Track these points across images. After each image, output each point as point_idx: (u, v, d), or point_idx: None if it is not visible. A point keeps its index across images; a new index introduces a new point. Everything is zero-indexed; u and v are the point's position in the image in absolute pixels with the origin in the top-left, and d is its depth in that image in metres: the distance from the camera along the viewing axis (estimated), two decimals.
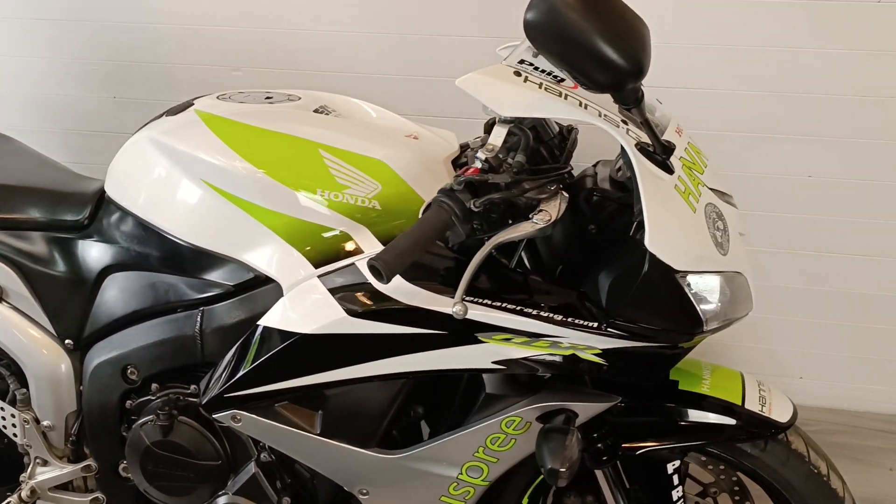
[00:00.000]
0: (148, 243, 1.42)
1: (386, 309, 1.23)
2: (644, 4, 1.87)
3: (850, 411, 2.27)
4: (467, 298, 1.21)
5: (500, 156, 1.19)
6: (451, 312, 1.18)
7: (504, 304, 1.21)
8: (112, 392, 1.49)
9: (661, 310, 1.18)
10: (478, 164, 1.18)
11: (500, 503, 1.45)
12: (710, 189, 1.28)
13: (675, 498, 1.38)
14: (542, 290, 1.27)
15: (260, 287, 1.34)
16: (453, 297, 1.20)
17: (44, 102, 2.33)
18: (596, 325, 1.20)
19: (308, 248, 1.30)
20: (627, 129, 1.20)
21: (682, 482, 1.40)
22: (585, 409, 1.30)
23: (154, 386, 1.46)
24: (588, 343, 1.21)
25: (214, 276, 1.38)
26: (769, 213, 2.09)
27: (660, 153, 1.17)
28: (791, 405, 1.41)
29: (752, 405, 1.37)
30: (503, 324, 1.20)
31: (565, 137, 1.36)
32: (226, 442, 1.43)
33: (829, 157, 1.98)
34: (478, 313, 1.20)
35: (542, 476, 1.35)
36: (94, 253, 1.49)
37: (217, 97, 1.44)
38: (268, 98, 1.46)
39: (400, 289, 1.23)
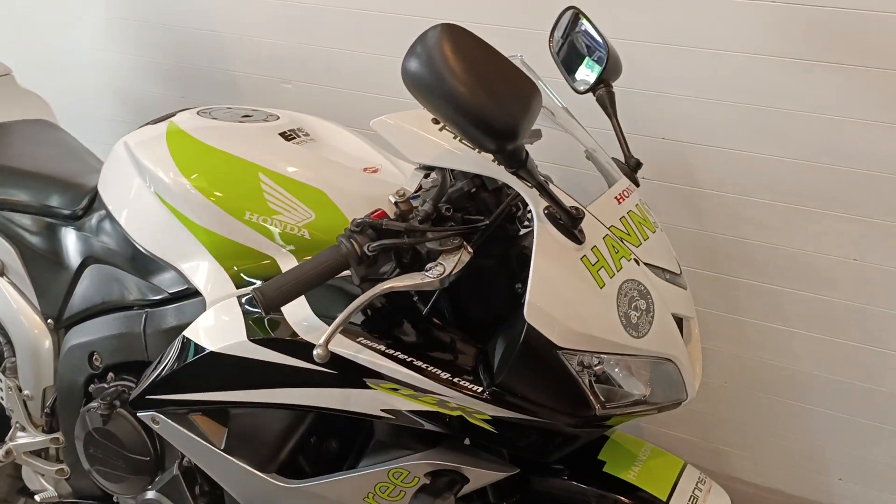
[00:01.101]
0: (117, 242, 1.51)
1: (283, 339, 1.23)
2: (679, 57, 1.76)
3: None
4: (362, 341, 1.19)
5: (416, 202, 1.17)
6: (338, 353, 1.17)
7: (396, 353, 1.17)
8: (79, 374, 1.59)
9: (542, 386, 1.11)
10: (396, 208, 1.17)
11: None
12: (645, 264, 1.19)
13: None
14: (446, 345, 1.22)
15: (192, 298, 1.38)
16: (351, 337, 1.19)
17: (127, 95, 2.53)
18: (480, 389, 1.14)
19: (235, 267, 1.33)
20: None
21: None
22: (478, 476, 1.24)
23: (110, 375, 1.55)
24: (475, 407, 1.16)
25: (157, 281, 1.44)
26: (811, 294, 1.89)
27: (566, 221, 1.09)
28: None
29: (679, 503, 1.26)
30: (390, 373, 1.17)
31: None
32: (157, 440, 1.49)
33: (875, 241, 1.76)
34: (366, 358, 1.17)
35: None
36: (80, 243, 1.60)
37: (198, 112, 1.50)
38: (246, 116, 1.50)
39: (303, 322, 1.23)
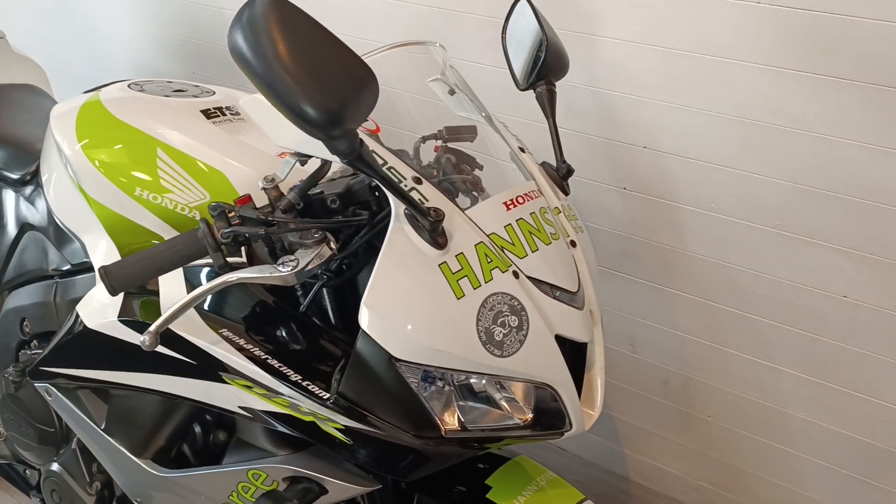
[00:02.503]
0: (45, 210, 1.50)
1: (148, 323, 1.18)
2: (664, 61, 1.61)
3: None
4: (224, 333, 1.13)
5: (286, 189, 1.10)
6: (195, 343, 1.12)
7: (252, 349, 1.11)
8: (12, 339, 1.60)
9: (381, 400, 1.02)
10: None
11: None
12: (529, 278, 1.07)
13: None
14: (314, 346, 1.14)
15: (91, 272, 1.36)
16: (214, 327, 1.13)
17: (140, 67, 2.56)
18: (327, 396, 1.06)
19: (125, 244, 1.30)
20: (413, 188, 1.04)
21: None
22: (338, 489, 1.16)
23: (34, 342, 1.55)
24: (325, 414, 1.08)
25: (66, 252, 1.43)
26: (798, 330, 1.70)
27: (423, 223, 0.99)
28: None
29: None
30: (241, 369, 1.10)
31: None
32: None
33: (867, 278, 1.56)
34: (221, 351, 1.11)
35: None
36: (21, 209, 1.60)
37: (129, 84, 1.47)
38: (178, 91, 1.45)
39: (173, 307, 1.17)
